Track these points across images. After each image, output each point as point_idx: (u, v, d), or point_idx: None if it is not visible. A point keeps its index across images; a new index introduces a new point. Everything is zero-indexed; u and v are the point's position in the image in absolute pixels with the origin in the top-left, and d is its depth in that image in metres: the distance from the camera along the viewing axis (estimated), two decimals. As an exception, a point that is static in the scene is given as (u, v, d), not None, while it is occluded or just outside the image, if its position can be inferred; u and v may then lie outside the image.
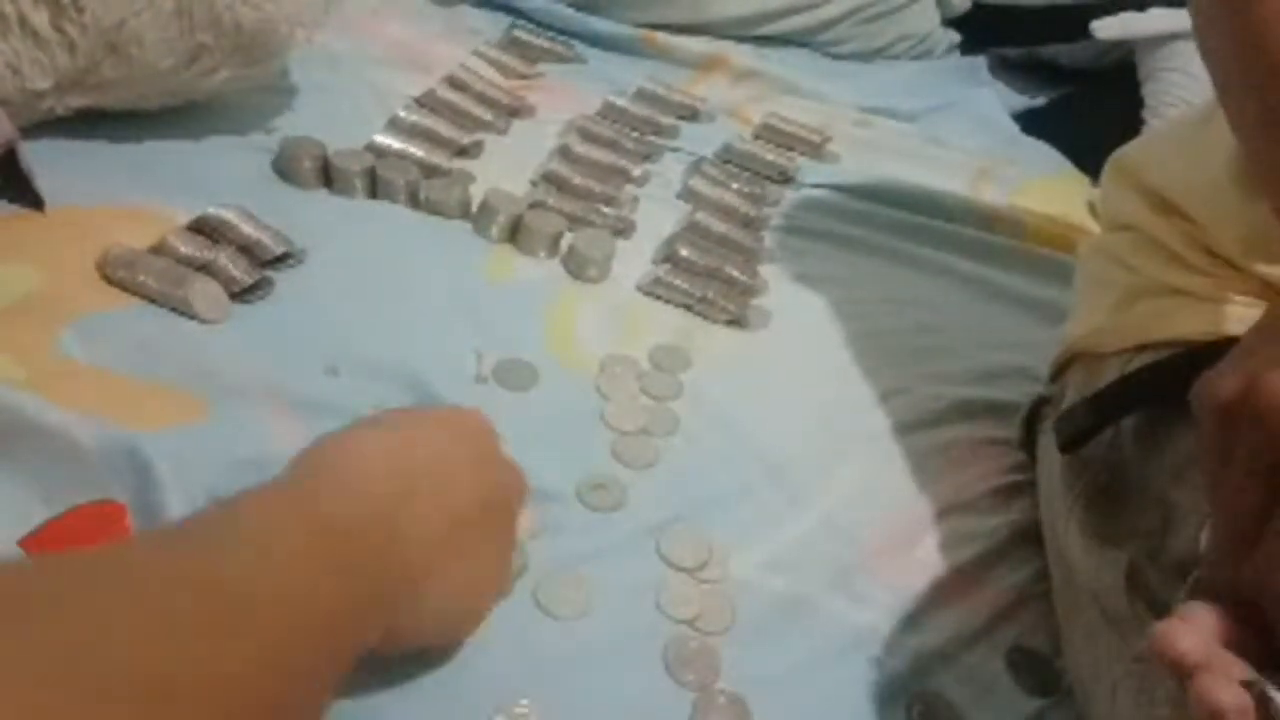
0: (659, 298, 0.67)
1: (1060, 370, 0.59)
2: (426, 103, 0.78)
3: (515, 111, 0.82)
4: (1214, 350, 0.37)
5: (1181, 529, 0.44)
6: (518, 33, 0.94)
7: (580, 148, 0.79)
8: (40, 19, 0.56)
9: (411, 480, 0.37)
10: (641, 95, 0.89)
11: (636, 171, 0.79)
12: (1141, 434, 0.49)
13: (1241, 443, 0.33)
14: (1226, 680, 0.30)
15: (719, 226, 0.74)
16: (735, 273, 0.70)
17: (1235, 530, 0.33)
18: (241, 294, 0.57)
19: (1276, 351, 0.34)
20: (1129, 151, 0.61)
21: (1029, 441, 0.61)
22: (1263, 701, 0.29)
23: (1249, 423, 0.33)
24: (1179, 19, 0.96)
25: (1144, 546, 0.46)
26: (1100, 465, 0.51)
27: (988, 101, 1.08)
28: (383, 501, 0.36)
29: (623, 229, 0.72)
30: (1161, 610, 0.43)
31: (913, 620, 0.51)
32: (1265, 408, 0.32)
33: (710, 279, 0.69)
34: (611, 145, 0.81)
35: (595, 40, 0.97)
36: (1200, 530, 0.43)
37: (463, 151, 0.75)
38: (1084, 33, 1.04)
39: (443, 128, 0.76)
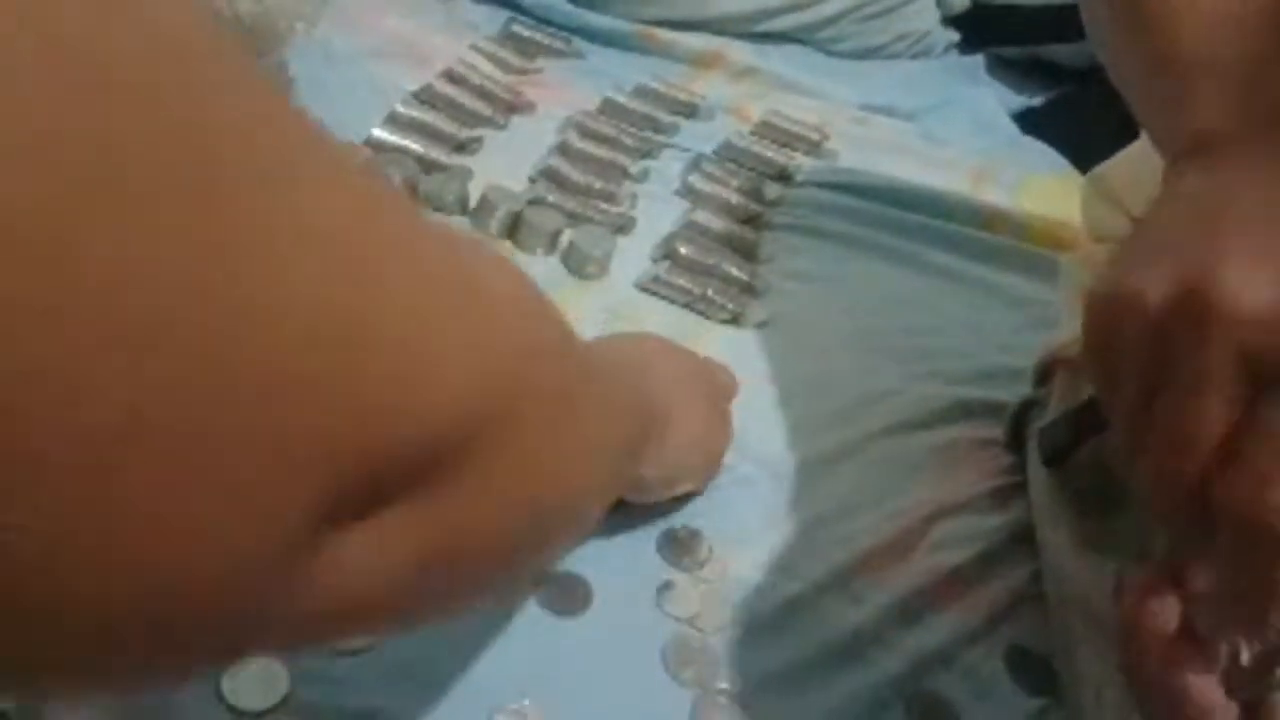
0: (658, 295, 0.67)
1: (1045, 375, 0.59)
2: (425, 97, 0.78)
3: (514, 107, 0.82)
4: None
5: (1165, 538, 0.44)
6: (517, 28, 0.93)
7: (579, 144, 0.78)
8: (37, 10, 0.55)
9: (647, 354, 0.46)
10: (641, 92, 0.89)
11: (635, 168, 0.79)
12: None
13: (1189, 354, 0.28)
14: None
15: (718, 224, 0.74)
16: (734, 270, 0.70)
17: (1194, 458, 0.28)
18: (239, 289, 0.56)
19: (1201, 247, 0.29)
20: (1105, 172, 0.61)
21: (1017, 443, 0.61)
22: None
23: (1192, 330, 0.28)
24: (1178, 20, 0.96)
25: (1130, 554, 0.46)
26: (1085, 473, 0.51)
27: (986, 101, 1.08)
28: (634, 354, 0.45)
29: (622, 226, 0.72)
30: None
31: (911, 620, 0.51)
32: (1219, 311, 0.27)
33: (709, 277, 0.69)
34: (611, 142, 0.80)
35: (594, 36, 0.96)
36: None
37: (461, 147, 0.75)
38: (1083, 33, 1.04)
39: (441, 123, 0.75)
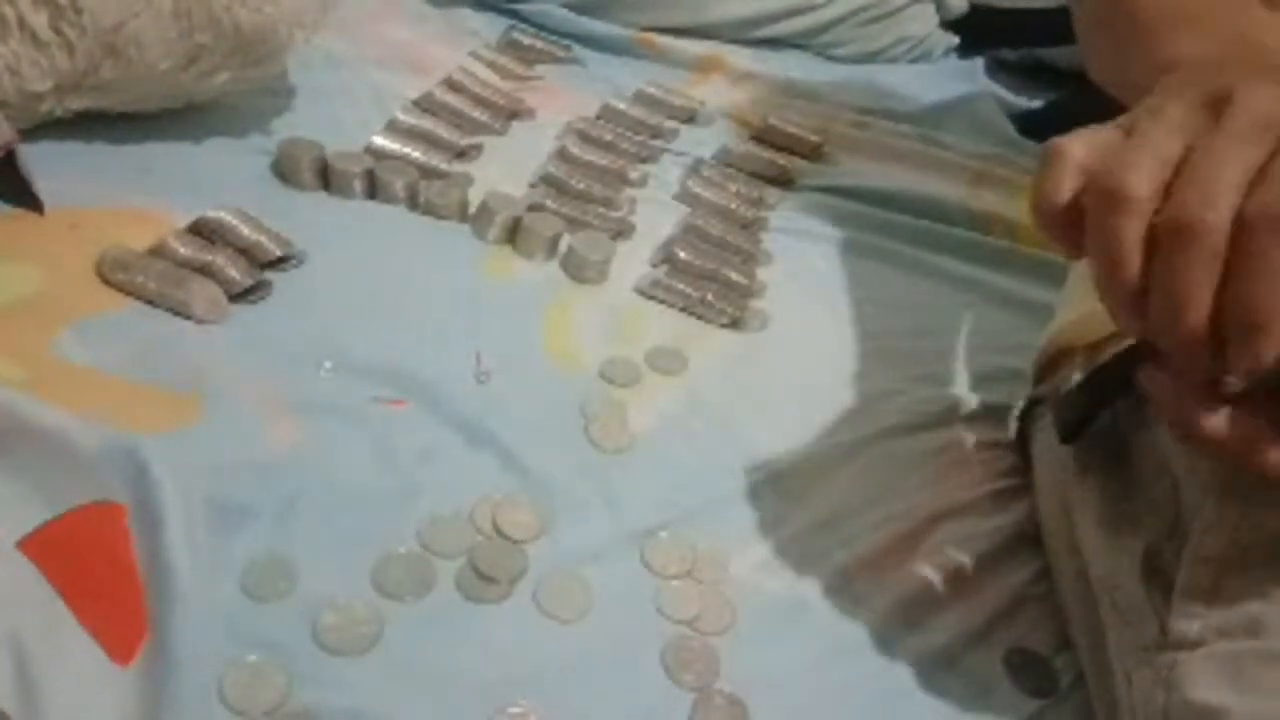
0: (657, 300, 0.68)
1: (1045, 370, 0.59)
2: (425, 105, 0.78)
3: (514, 114, 0.82)
4: None
5: (1188, 500, 0.44)
6: (516, 35, 0.94)
7: (578, 150, 0.79)
8: (39, 21, 0.56)
9: None
10: (640, 97, 0.90)
11: (635, 174, 0.79)
12: (1134, 410, 0.49)
13: (1217, 126, 0.33)
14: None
15: (717, 228, 0.75)
16: (733, 275, 0.70)
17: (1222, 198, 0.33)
18: (240, 296, 0.57)
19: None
20: None
21: (1022, 443, 0.61)
22: None
23: (1220, 106, 0.34)
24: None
25: (1159, 527, 0.45)
26: (1105, 451, 0.51)
27: (985, 104, 1.08)
28: None
29: (621, 231, 0.72)
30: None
31: (912, 621, 0.51)
32: (1244, 89, 0.33)
33: (708, 281, 0.69)
34: (610, 148, 0.81)
35: (593, 42, 0.97)
36: (1204, 497, 0.43)
37: (461, 154, 0.75)
38: (1081, 35, 1.04)
39: (441, 130, 0.76)
